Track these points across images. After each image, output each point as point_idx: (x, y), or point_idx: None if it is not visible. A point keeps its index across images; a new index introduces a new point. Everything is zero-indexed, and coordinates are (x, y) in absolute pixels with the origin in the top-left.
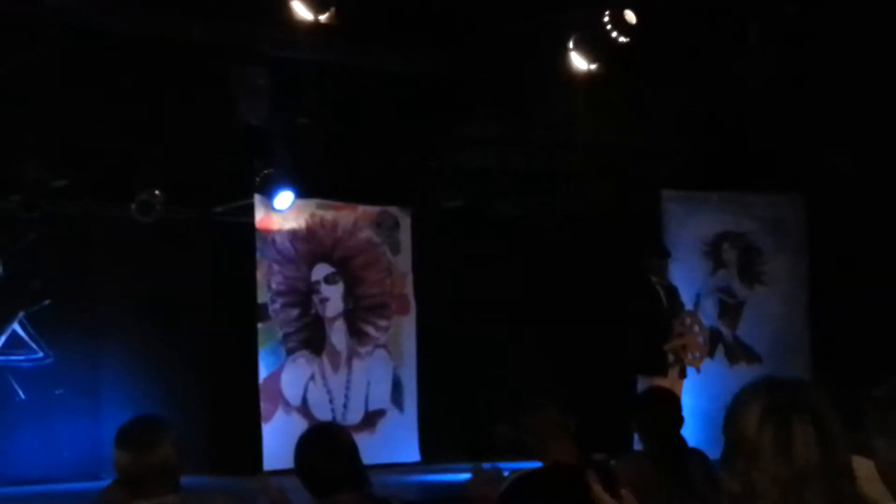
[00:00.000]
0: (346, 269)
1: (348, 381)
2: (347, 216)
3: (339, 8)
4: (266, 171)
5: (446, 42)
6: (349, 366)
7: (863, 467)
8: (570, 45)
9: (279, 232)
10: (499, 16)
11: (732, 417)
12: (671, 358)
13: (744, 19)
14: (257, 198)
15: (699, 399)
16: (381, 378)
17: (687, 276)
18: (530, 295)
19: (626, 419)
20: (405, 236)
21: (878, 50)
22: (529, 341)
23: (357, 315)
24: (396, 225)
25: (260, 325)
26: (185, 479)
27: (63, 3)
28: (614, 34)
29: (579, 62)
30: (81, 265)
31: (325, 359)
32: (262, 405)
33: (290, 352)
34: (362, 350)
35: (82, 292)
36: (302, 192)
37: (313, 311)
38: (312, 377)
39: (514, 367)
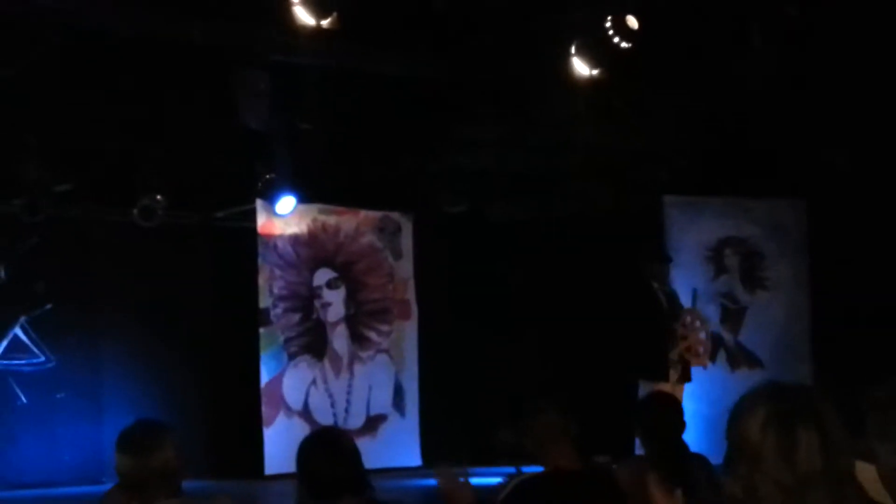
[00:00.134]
0: (348, 274)
1: (350, 386)
2: (349, 221)
3: (341, 12)
4: (268, 176)
5: (447, 46)
6: (351, 370)
7: (865, 472)
8: (573, 50)
9: (281, 237)
10: (499, 19)
11: (736, 422)
12: (675, 358)
13: (744, 22)
14: (259, 202)
15: (701, 404)
16: (382, 383)
17: (689, 282)
18: (532, 300)
19: (628, 424)
20: (407, 241)
21: (878, 52)
22: (531, 346)
23: (359, 320)
24: (398, 230)
25: (262, 330)
26: (186, 483)
27: (65, 6)
28: (616, 39)
29: (581, 67)
30: (83, 269)
31: (326, 363)
32: (264, 409)
33: (291, 356)
34: (364, 355)
35: (84, 296)
36: (304, 197)
37: (315, 316)
38: (314, 382)
39: (516, 372)
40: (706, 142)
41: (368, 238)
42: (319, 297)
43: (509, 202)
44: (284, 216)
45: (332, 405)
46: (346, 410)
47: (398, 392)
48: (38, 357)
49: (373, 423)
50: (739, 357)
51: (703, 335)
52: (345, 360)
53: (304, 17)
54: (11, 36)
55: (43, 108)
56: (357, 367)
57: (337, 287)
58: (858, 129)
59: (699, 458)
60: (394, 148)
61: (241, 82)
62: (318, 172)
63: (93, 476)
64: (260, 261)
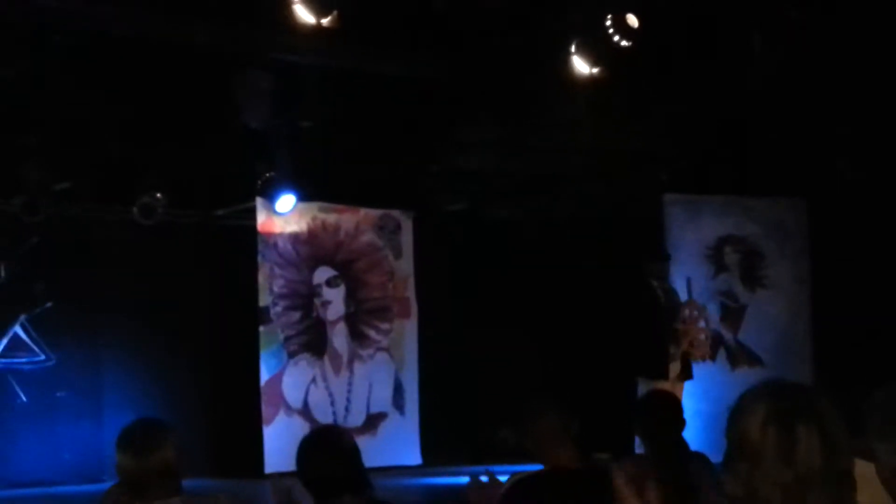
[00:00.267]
0: (348, 273)
1: (350, 384)
2: (349, 219)
3: (342, 12)
4: (268, 175)
5: (448, 46)
6: (351, 369)
7: (865, 471)
8: (572, 49)
9: (281, 235)
10: (500, 19)
11: (735, 420)
12: (677, 355)
13: (746, 23)
14: (259, 201)
15: (701, 402)
16: (382, 381)
17: (687, 282)
18: (532, 298)
19: (628, 422)
20: (407, 239)
21: (880, 53)
22: (531, 344)
23: (359, 318)
24: (398, 228)
25: (261, 328)
26: (186, 482)
27: (65, 5)
28: (616, 38)
29: (581, 66)
30: (83, 268)
31: (326, 362)
32: (264, 408)
33: (291, 355)
34: (364, 353)
35: (84, 295)
36: (304, 196)
37: (315, 315)
38: (314, 380)
39: (515, 371)
40: (706, 141)
41: (368, 236)
42: (319, 295)
43: (509, 201)
44: (284, 214)
45: (332, 403)
46: (346, 409)
47: (398, 390)
48: (38, 356)
49: (373, 422)
50: (739, 355)
51: (702, 324)
52: (345, 359)
53: (304, 15)
54: (12, 36)
55: (43, 107)
56: (357, 366)
57: (337, 285)
58: (859, 128)
59: (699, 457)
60: (394, 147)
61: (241, 81)
62: (318, 171)
63: (93, 475)
64: (260, 259)
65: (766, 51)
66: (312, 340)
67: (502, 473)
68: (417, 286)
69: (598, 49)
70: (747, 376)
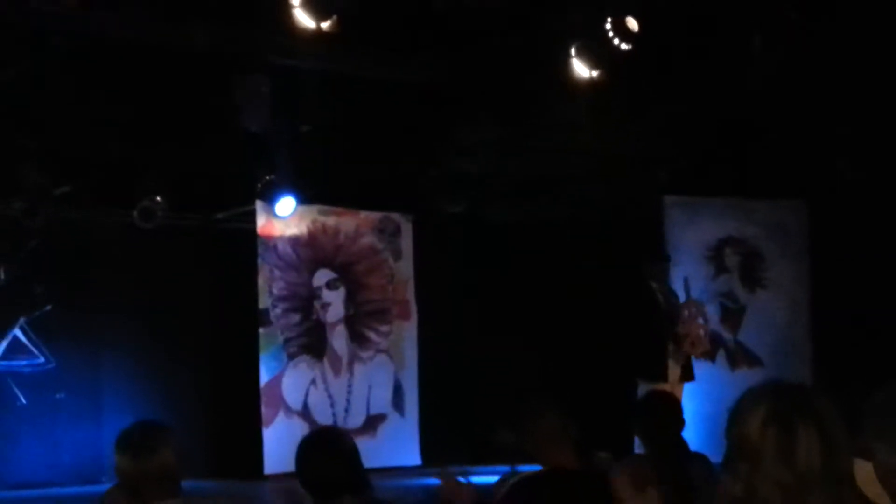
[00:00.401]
0: (348, 275)
1: (349, 386)
2: (349, 222)
3: (341, 16)
4: (268, 178)
5: (447, 48)
6: (350, 371)
7: (863, 470)
8: (572, 52)
9: (281, 238)
10: (500, 21)
11: (736, 421)
12: (678, 356)
13: (745, 22)
14: (259, 204)
15: (701, 403)
16: (382, 383)
17: (684, 281)
18: (531, 300)
19: (628, 423)
20: (407, 242)
21: (880, 54)
22: (530, 346)
23: (358, 320)
24: (398, 231)
25: (261, 331)
26: (185, 484)
27: (65, 9)
28: (616, 41)
29: (580, 69)
30: (83, 271)
31: (326, 364)
32: (263, 410)
33: (291, 357)
34: (363, 355)
35: (84, 298)
36: (304, 199)
37: (315, 317)
38: (314, 382)
39: (515, 373)
40: (706, 142)
41: (368, 239)
42: (319, 297)
43: (509, 203)
44: (284, 217)
45: (332, 405)
46: (346, 410)
47: (398, 392)
48: (37, 358)
49: (372, 423)
50: (739, 356)
51: (701, 320)
52: (344, 361)
53: (304, 19)
54: (11, 38)
55: (43, 110)
56: (357, 368)
57: (336, 288)
58: (859, 129)
59: (699, 458)
60: (393, 150)
61: (241, 84)
62: (318, 174)
63: (92, 477)
64: (260, 262)
65: (766, 52)
66: (312, 342)
67: (497, 474)
68: (417, 288)
69: (597, 52)
70: (747, 377)
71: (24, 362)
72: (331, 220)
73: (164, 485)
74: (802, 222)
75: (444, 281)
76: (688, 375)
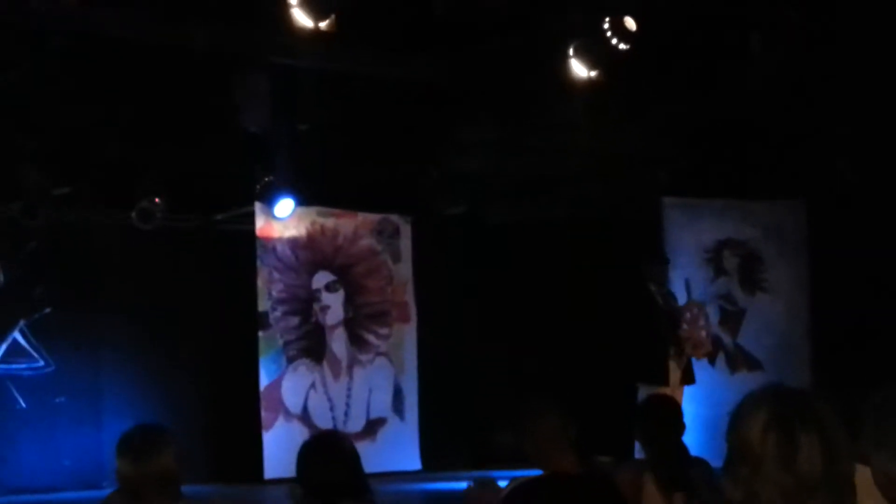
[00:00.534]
0: (347, 277)
1: (349, 390)
2: (348, 224)
3: (339, 15)
4: (267, 179)
5: (446, 48)
6: (350, 374)
7: (862, 475)
8: (571, 52)
9: (280, 240)
10: (498, 21)
11: (736, 425)
12: (680, 359)
13: (745, 25)
14: (258, 205)
15: (700, 406)
16: (381, 386)
17: (686, 283)
18: (531, 302)
19: (628, 427)
20: (406, 244)
21: (880, 54)
22: (530, 349)
23: (358, 323)
24: (397, 233)
25: (261, 334)
26: (185, 488)
27: (65, 10)
28: (614, 41)
29: (579, 69)
30: (82, 273)
31: (325, 367)
32: (263, 413)
33: (290, 360)
34: (363, 358)
35: (83, 300)
36: (302, 200)
37: (314, 319)
38: (313, 385)
39: (514, 375)
40: (705, 144)
41: (367, 241)
42: (318, 300)
43: (508, 205)
44: (283, 219)
45: (332, 409)
46: (346, 414)
47: (397, 395)
48: (37, 361)
49: (372, 427)
50: (738, 359)
51: (702, 321)
52: (344, 364)
53: (302, 19)
54: (11, 39)
55: (42, 110)
56: (356, 371)
57: (336, 290)
58: (858, 131)
59: (700, 462)
60: (392, 151)
61: (240, 84)
62: (317, 175)
63: (93, 481)
64: (259, 264)
65: (766, 52)
66: (311, 345)
67: (502, 479)
68: (416, 290)
69: (596, 52)
70: (746, 380)
71: (23, 365)
72: (330, 222)
73: (165, 489)
74: (801, 223)
75: (444, 282)
76: (689, 379)
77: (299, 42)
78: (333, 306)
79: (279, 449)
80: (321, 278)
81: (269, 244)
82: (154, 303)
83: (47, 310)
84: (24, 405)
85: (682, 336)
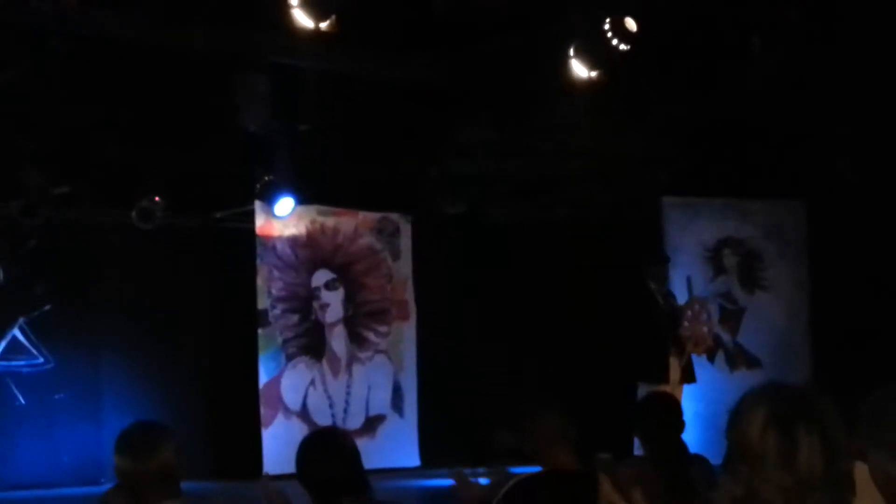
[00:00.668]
0: (347, 275)
1: (348, 387)
2: (348, 222)
3: (340, 15)
4: (266, 178)
5: (447, 49)
6: (349, 371)
7: (861, 472)
8: (571, 52)
9: (280, 238)
10: (498, 21)
11: (736, 423)
12: (681, 357)
13: (745, 25)
14: (258, 204)
15: (700, 404)
16: (381, 384)
17: (687, 280)
18: (530, 301)
19: (628, 424)
20: (406, 242)
21: (880, 55)
22: (530, 347)
23: (357, 321)
24: (397, 231)
25: (260, 331)
26: (184, 485)
27: (65, 10)
28: (614, 41)
29: (579, 69)
30: (82, 271)
31: (325, 364)
32: (263, 410)
33: (290, 357)
34: (362, 356)
35: (83, 298)
36: (302, 199)
37: (313, 317)
38: (312, 383)
39: (514, 374)
40: (705, 143)
41: (367, 239)
42: (318, 298)
43: (508, 204)
44: (283, 217)
45: (331, 406)
46: (345, 411)
47: (397, 393)
48: (36, 358)
49: (371, 424)
50: (738, 357)
51: (705, 317)
52: (343, 361)
53: (302, 19)
54: (11, 40)
55: (42, 110)
56: (356, 368)
57: (335, 288)
58: (858, 130)
59: (700, 460)
60: (392, 150)
61: (240, 84)
62: (317, 174)
63: (91, 477)
64: (258, 262)
65: (766, 52)
66: (311, 343)
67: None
68: (416, 289)
69: (596, 53)
70: (746, 378)
71: (23, 362)
72: (330, 221)
73: (164, 485)
74: (801, 223)
75: (443, 281)
76: (689, 377)
77: (300, 42)
78: (333, 304)
79: (278, 446)
80: (321, 276)
81: (269, 242)
82: (154, 301)
83: (47, 307)
84: (23, 402)
85: (683, 335)
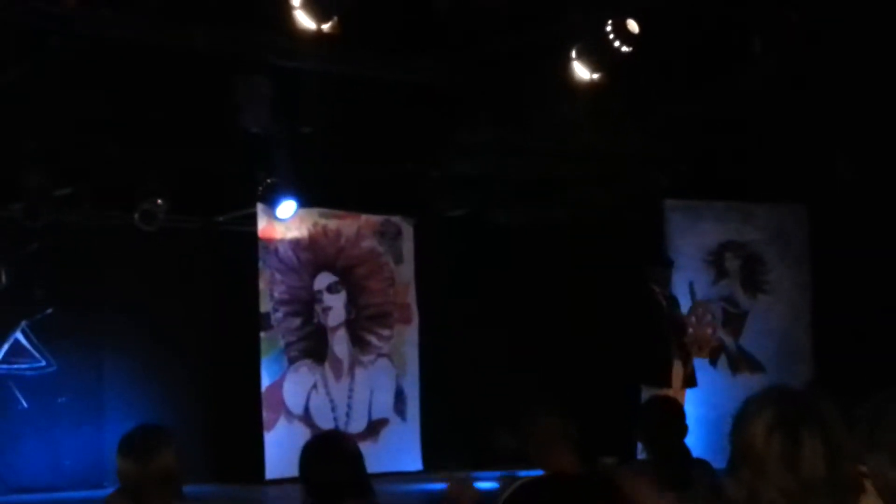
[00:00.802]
0: (349, 279)
1: (351, 390)
2: (350, 225)
3: (342, 17)
4: (269, 180)
5: (448, 50)
6: (352, 375)
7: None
8: (573, 54)
9: (282, 241)
10: (500, 24)
11: (740, 427)
12: (683, 361)
13: (745, 26)
14: (260, 207)
15: (702, 408)
16: (383, 387)
17: (689, 286)
18: (533, 304)
19: (630, 428)
20: (408, 245)
21: (881, 58)
22: (532, 350)
23: (359, 324)
24: (399, 234)
25: (262, 335)
26: (187, 488)
27: (65, 10)
28: (616, 43)
29: (581, 71)
30: (84, 274)
31: (327, 368)
32: (265, 414)
33: (292, 361)
34: (365, 359)
35: (85, 301)
36: (305, 202)
37: (316, 321)
38: (315, 386)
39: (517, 377)
40: (707, 146)
41: (369, 242)
42: (320, 301)
43: (510, 206)
44: (285, 220)
45: (333, 409)
46: (348, 415)
47: (399, 396)
48: (39, 361)
49: (374, 428)
50: (741, 361)
51: (709, 318)
52: (345, 365)
53: (305, 21)
54: (11, 40)
55: (43, 112)
56: (358, 372)
57: (338, 291)
58: (860, 133)
59: (702, 464)
60: (394, 152)
61: (241, 86)
62: (319, 176)
63: (94, 481)
64: (261, 265)
65: (766, 54)
66: (313, 346)
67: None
68: (418, 292)
69: (598, 54)
70: (748, 382)
71: (25, 365)
72: (332, 223)
73: (166, 489)
74: (803, 226)
75: (446, 284)
76: (691, 382)
77: (301, 44)
78: (335, 307)
79: (280, 449)
80: (323, 279)
81: (271, 245)
82: (156, 304)
83: (49, 310)
84: (25, 405)
85: (686, 341)
